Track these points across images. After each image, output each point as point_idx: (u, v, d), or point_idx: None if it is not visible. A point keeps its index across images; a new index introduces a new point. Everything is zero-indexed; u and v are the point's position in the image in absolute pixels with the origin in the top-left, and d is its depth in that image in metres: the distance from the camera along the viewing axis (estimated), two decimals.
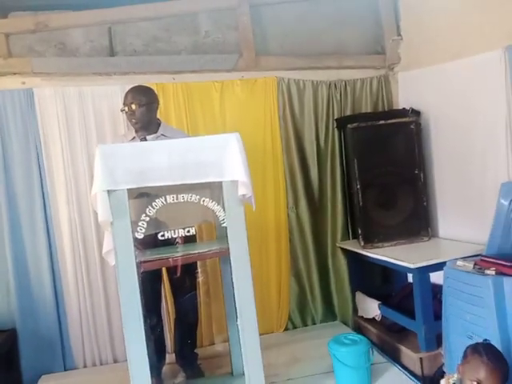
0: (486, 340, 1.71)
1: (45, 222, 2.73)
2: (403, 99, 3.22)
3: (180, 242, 2.04)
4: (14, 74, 2.72)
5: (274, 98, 3.06)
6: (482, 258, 2.16)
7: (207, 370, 2.60)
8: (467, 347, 1.66)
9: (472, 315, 2.04)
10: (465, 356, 1.63)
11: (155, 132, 2.43)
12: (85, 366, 2.83)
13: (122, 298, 1.86)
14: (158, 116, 2.54)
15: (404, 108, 3.08)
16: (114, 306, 2.82)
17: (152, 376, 1.90)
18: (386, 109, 3.25)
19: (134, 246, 1.88)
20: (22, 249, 2.71)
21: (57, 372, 2.76)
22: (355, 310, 3.16)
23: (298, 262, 3.18)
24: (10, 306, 2.70)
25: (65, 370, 2.79)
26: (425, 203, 2.91)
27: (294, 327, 3.20)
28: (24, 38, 2.78)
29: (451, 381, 1.72)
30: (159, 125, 2.47)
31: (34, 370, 2.69)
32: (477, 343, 1.68)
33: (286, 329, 3.17)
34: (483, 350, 1.58)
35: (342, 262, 3.20)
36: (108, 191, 1.81)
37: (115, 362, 2.87)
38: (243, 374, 2.11)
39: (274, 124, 3.07)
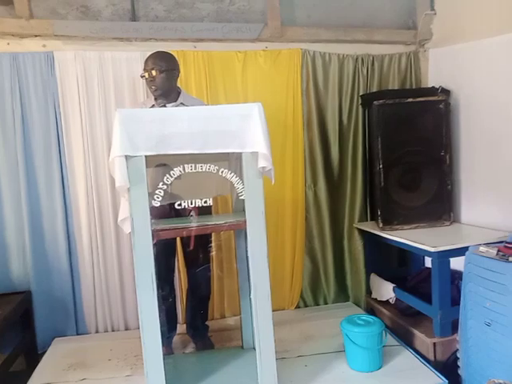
0: None
1: (61, 185, 2.72)
2: (433, 77, 3.09)
3: (194, 214, 2.01)
4: (36, 36, 2.67)
5: (297, 71, 2.97)
6: (506, 244, 2.09)
7: (217, 343, 2.62)
8: None
9: (492, 302, 1.98)
10: None
11: (175, 100, 2.37)
12: (97, 332, 2.86)
13: (136, 264, 1.84)
14: (179, 84, 2.48)
15: (433, 86, 2.97)
16: (127, 273, 2.84)
17: (163, 345, 1.90)
18: (414, 87, 3.13)
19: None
20: (38, 212, 2.71)
21: (69, 336, 2.79)
22: (368, 291, 3.12)
23: (313, 240, 3.14)
24: (25, 268, 2.72)
25: (77, 334, 2.82)
26: (449, 186, 2.82)
27: (306, 306, 3.18)
28: None
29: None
30: (179, 93, 2.42)
31: (47, 332, 2.73)
32: None
33: (298, 307, 3.15)
34: None
35: (358, 243, 3.14)
36: (126, 157, 1.77)
37: (127, 329, 2.89)
38: (253, 348, 2.11)
39: (297, 98, 2.98)
